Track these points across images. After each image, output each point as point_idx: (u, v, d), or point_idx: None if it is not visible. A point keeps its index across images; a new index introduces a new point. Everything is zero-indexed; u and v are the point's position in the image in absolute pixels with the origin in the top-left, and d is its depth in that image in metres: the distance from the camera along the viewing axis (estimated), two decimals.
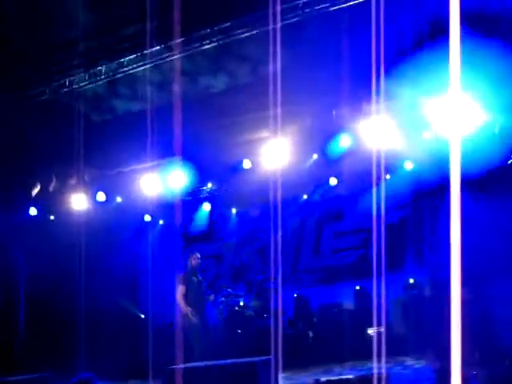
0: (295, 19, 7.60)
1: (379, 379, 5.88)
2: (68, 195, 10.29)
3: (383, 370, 6.53)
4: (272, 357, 6.25)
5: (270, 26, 7.71)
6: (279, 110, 8.32)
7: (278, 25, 7.85)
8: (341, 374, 7.27)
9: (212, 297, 8.05)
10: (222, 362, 6.41)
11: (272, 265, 11.83)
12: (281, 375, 6.45)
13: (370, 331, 9.64)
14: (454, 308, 2.63)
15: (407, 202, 10.80)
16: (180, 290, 7.79)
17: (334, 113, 8.96)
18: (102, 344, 9.10)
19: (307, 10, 7.34)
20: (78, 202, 10.30)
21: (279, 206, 8.94)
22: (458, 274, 2.67)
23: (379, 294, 10.27)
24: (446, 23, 2.60)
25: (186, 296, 7.77)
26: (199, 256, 8.06)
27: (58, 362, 8.58)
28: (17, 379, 7.04)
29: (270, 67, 7.79)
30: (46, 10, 7.58)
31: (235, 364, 6.03)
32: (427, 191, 10.68)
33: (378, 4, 6.93)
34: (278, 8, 7.22)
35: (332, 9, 7.35)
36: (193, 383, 5.55)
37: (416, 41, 8.01)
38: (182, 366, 6.01)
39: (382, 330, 9.60)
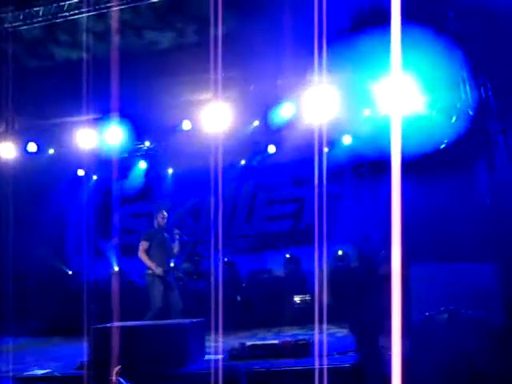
0: None
1: (303, 345, 6.06)
2: None
3: (307, 337, 6.73)
4: (202, 319, 6.29)
5: None
6: (223, 74, 8.21)
7: None
8: (266, 339, 7.43)
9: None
10: (153, 322, 6.41)
11: (205, 228, 11.86)
12: (208, 337, 6.49)
13: (297, 299, 9.88)
14: (395, 285, 2.69)
15: (343, 176, 11.01)
16: (142, 246, 7.62)
17: (278, 81, 8.91)
18: (27, 299, 8.88)
19: None
20: (6, 150, 9.85)
21: (218, 169, 8.88)
22: (399, 251, 2.74)
23: (308, 262, 10.54)
24: (388, 6, 2.65)
25: (148, 252, 7.58)
26: (166, 214, 7.80)
27: None
28: None
29: (218, 29, 7.64)
30: None
31: (165, 325, 6.03)
32: (363, 166, 10.92)
33: None
34: None
35: None
36: (121, 343, 5.48)
37: (360, 21, 8.07)
38: (109, 324, 5.94)
39: (309, 298, 9.88)
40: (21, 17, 7.55)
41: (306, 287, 10.22)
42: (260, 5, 8.35)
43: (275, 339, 7.04)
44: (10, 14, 7.57)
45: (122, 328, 5.80)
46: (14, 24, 7.70)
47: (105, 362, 5.31)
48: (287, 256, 10.97)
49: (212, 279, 9.62)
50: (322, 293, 10.00)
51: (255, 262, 11.19)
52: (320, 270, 10.29)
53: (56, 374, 5.75)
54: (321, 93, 8.68)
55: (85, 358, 5.83)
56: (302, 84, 9.08)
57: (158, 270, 7.46)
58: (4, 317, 7.88)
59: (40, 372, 5.91)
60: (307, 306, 9.57)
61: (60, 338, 9.10)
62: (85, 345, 6.00)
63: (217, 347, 6.47)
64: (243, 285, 10.36)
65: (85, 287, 8.42)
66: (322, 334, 7.42)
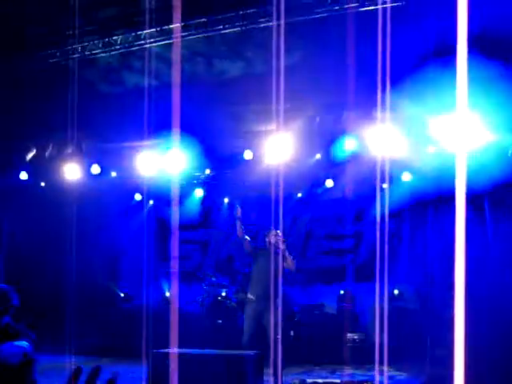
0: (319, 15, 7.50)
1: None
2: (62, 164, 10.06)
3: (366, 378, 6.53)
4: (261, 352, 6.17)
5: (292, 19, 7.65)
6: (289, 105, 8.23)
7: (301, 18, 7.78)
8: (321, 377, 7.23)
9: None
10: (211, 351, 6.32)
11: None
12: (265, 371, 6.34)
13: (351, 337, 9.62)
14: (459, 324, 2.56)
15: (401, 213, 10.79)
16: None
17: (344, 114, 8.86)
18: (81, 319, 8.93)
19: (336, 8, 7.22)
20: (72, 171, 10.07)
21: (276, 200, 8.83)
22: (463, 287, 2.61)
23: (363, 300, 10.30)
24: (454, 42, 2.60)
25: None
26: (280, 233, 7.14)
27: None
28: None
29: (285, 60, 7.69)
30: None
31: (225, 355, 5.93)
32: (422, 204, 10.69)
33: (384, 14, 6.95)
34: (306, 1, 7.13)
35: (360, 9, 7.24)
36: (179, 369, 5.41)
37: (424, 57, 8.00)
38: (169, 350, 5.89)
39: (363, 336, 9.61)
40: (100, 45, 7.78)
41: (359, 325, 9.98)
42: (328, 36, 8.39)
43: (332, 377, 6.85)
44: (91, 43, 7.82)
45: (182, 354, 5.75)
46: (94, 52, 7.94)
47: None
48: (341, 292, 10.75)
49: None
50: (379, 332, 9.75)
51: (308, 297, 11.01)
52: (379, 307, 10.07)
53: None
54: (384, 129, 8.59)
55: (143, 382, 5.79)
56: (366, 119, 9.01)
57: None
58: (65, 335, 7.94)
59: None
60: (361, 345, 9.32)
61: (110, 358, 9.11)
62: (138, 367, 5.95)
63: (276, 382, 6.33)
64: (296, 319, 10.17)
65: (144, 310, 8.41)
66: (381, 376, 7.19)
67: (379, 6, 7.23)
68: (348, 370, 7.88)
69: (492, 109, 7.69)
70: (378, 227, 8.84)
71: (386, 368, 7.50)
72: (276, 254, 6.96)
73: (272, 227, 7.35)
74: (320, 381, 6.09)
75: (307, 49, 8.53)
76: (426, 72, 7.73)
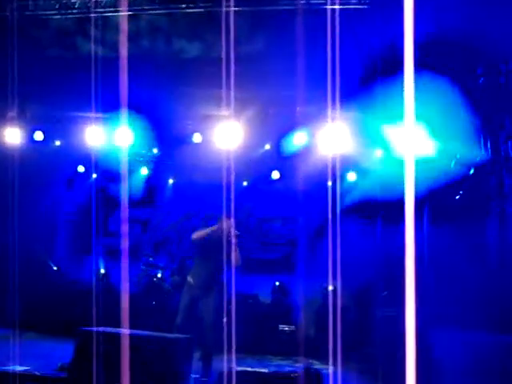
0: (285, 7, 7.49)
1: (294, 378, 5.92)
2: (4, 127, 9.67)
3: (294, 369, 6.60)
4: (191, 336, 6.15)
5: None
6: (243, 92, 8.20)
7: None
8: (250, 366, 7.26)
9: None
10: (141, 332, 6.23)
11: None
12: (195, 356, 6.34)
13: (282, 328, 9.72)
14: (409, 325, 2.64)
15: (343, 211, 10.96)
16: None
17: (298, 109, 8.90)
18: (10, 291, 8.66)
19: (302, 2, 7.22)
20: (13, 136, 9.70)
21: (221, 187, 8.79)
22: (413, 292, 2.69)
23: (296, 293, 10.43)
24: (401, 53, 2.70)
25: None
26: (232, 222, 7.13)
27: None
28: None
29: (245, 48, 7.65)
30: None
31: (155, 337, 5.88)
32: (364, 205, 10.89)
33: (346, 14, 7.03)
34: None
35: (325, 7, 7.26)
36: (106, 348, 5.32)
37: (374, 64, 8.13)
38: (96, 328, 5.78)
39: (293, 329, 9.73)
40: (56, 6, 7.49)
41: (292, 318, 10.10)
42: (292, 30, 8.38)
43: (260, 367, 6.90)
44: (45, 2, 7.52)
45: (107, 333, 5.64)
46: (48, 12, 7.64)
47: (88, 366, 5.16)
48: (277, 284, 10.85)
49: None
50: (307, 325, 9.89)
51: (243, 286, 11.04)
52: (307, 301, 10.22)
53: (36, 373, 5.54)
54: (335, 128, 8.68)
55: (67, 360, 5.66)
56: (318, 116, 9.08)
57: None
58: None
59: (19, 369, 5.71)
60: (291, 338, 9.43)
61: (36, 334, 8.89)
62: (64, 345, 5.83)
63: (204, 367, 6.33)
64: (229, 307, 10.18)
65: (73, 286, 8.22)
66: (308, 369, 7.29)
67: (345, 6, 7.28)
68: (276, 361, 7.97)
69: (439, 118, 7.90)
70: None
71: (313, 361, 7.65)
72: (227, 242, 6.95)
73: (224, 215, 7.27)
74: (249, 369, 6.12)
75: (269, 39, 8.49)
76: (376, 81, 7.87)
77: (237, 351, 8.82)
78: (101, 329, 5.65)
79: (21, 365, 5.90)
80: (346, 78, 6.93)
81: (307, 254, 11.36)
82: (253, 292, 10.88)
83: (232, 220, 7.11)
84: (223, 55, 8.05)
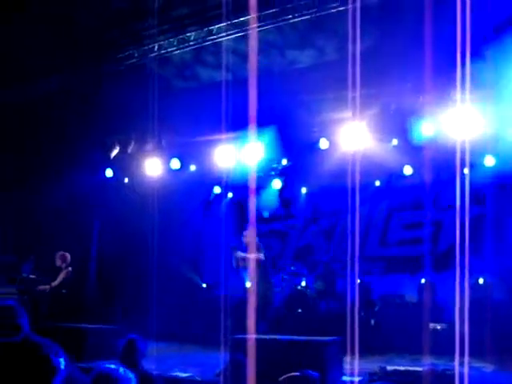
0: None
1: (449, 376, 5.72)
2: (144, 159, 10.43)
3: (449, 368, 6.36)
4: (340, 338, 6.18)
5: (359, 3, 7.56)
6: (364, 91, 8.14)
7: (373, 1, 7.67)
8: (402, 365, 7.12)
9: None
10: (291, 337, 6.39)
11: (338, 248, 11.73)
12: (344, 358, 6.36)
13: (432, 327, 9.40)
14: None
15: (484, 199, 10.43)
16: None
17: (420, 98, 8.66)
18: (166, 307, 9.27)
19: None
20: (153, 167, 10.41)
21: (354, 189, 8.76)
22: None
23: (444, 289, 10.02)
24: None
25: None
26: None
27: (125, 318, 8.84)
28: (93, 328, 7.27)
29: (358, 46, 7.60)
30: None
31: (304, 341, 5.99)
32: (507, 189, 10.26)
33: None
34: None
35: None
36: (259, 354, 5.51)
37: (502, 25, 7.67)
38: (249, 336, 6.01)
39: (445, 327, 9.37)
40: (174, 42, 8.02)
41: (441, 315, 9.73)
42: (401, 20, 8.21)
43: (413, 366, 6.75)
44: (166, 42, 8.08)
45: (259, 340, 5.85)
46: (169, 49, 8.19)
47: (242, 371, 5.37)
48: (422, 281, 10.53)
49: (348, 299, 9.43)
50: (461, 323, 9.46)
51: (388, 286, 10.86)
52: (460, 298, 9.77)
53: (197, 378, 5.91)
54: (463, 111, 8.31)
55: (222, 366, 5.95)
56: (443, 102, 8.76)
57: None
58: (149, 322, 8.28)
59: (182, 375, 6.11)
60: (443, 336, 9.09)
61: (193, 345, 9.41)
62: (219, 354, 6.12)
63: (354, 369, 6.33)
64: (376, 308, 10.08)
65: (221, 300, 8.61)
66: (463, 367, 6.99)
67: None
68: (429, 360, 7.71)
69: None
70: (457, 214, 8.58)
71: (467, 359, 7.30)
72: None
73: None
74: (401, 368, 6.02)
75: (378, 34, 8.39)
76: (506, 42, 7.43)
77: (389, 352, 8.71)
78: (252, 336, 5.87)
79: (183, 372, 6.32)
80: (473, 52, 6.59)
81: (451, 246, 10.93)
82: (398, 291, 10.66)
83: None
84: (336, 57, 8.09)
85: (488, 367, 7.42)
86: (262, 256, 7.83)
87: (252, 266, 7.92)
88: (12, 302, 3.52)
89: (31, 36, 8.15)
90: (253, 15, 7.59)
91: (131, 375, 3.04)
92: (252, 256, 7.80)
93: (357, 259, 10.35)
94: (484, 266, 10.10)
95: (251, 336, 5.94)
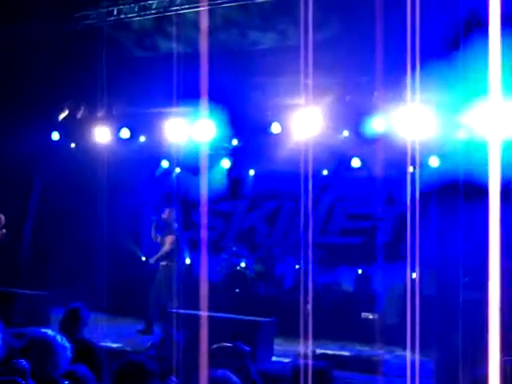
0: None
1: (375, 362, 5.92)
2: (93, 126, 10.21)
3: (378, 355, 6.59)
4: (274, 319, 6.28)
5: None
6: (320, 79, 8.20)
7: None
8: (331, 350, 7.31)
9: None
10: (225, 314, 6.45)
11: (280, 233, 11.85)
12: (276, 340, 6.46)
13: (364, 316, 9.67)
14: (493, 311, 2.57)
15: (425, 197, 10.71)
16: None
17: (375, 94, 8.79)
18: (104, 277, 9.16)
19: None
20: (102, 134, 10.22)
21: (301, 176, 8.84)
22: (497, 276, 2.60)
23: (379, 280, 10.31)
24: (486, 22, 2.52)
25: None
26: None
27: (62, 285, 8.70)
28: (25, 293, 7.11)
29: (319, 35, 7.64)
30: None
31: (238, 319, 6.05)
32: (447, 189, 10.57)
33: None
34: None
35: None
36: (193, 329, 5.55)
37: (454, 39, 7.84)
38: (182, 311, 6.03)
39: (376, 317, 9.66)
40: (136, 9, 7.85)
41: (374, 306, 10.01)
42: (363, 14, 8.28)
43: (341, 351, 6.94)
44: (126, 6, 7.90)
45: (193, 315, 5.87)
46: (129, 15, 8.01)
47: (173, 345, 5.39)
48: (359, 272, 10.79)
49: (285, 283, 9.58)
50: (390, 313, 9.76)
51: (326, 274, 11.07)
52: (390, 289, 10.07)
53: (127, 349, 5.90)
54: (414, 111, 8.49)
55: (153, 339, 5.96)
56: (396, 100, 8.92)
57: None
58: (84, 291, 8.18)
59: (113, 345, 6.09)
60: (374, 325, 9.36)
61: (127, 317, 9.36)
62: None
63: (284, 350, 6.44)
64: (313, 295, 10.25)
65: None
66: (389, 355, 7.25)
67: None
68: (358, 347, 7.95)
69: None
70: (408, 211, 8.79)
71: (395, 347, 7.57)
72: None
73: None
74: (330, 352, 6.18)
75: (342, 25, 8.45)
76: (457, 55, 7.60)
77: (320, 337, 8.91)
78: (183, 311, 5.90)
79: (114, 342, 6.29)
80: (425, 57, 6.75)
81: (390, 240, 11.23)
82: (335, 279, 10.88)
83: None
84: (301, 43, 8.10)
85: (413, 355, 7.70)
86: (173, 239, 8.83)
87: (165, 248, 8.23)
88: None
89: None
90: None
91: (67, 344, 2.99)
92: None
93: (297, 245, 10.52)
94: (421, 260, 10.40)
95: (184, 311, 5.97)
